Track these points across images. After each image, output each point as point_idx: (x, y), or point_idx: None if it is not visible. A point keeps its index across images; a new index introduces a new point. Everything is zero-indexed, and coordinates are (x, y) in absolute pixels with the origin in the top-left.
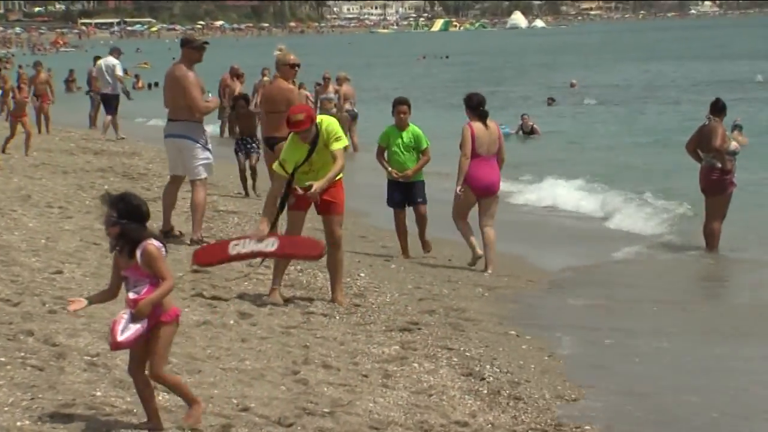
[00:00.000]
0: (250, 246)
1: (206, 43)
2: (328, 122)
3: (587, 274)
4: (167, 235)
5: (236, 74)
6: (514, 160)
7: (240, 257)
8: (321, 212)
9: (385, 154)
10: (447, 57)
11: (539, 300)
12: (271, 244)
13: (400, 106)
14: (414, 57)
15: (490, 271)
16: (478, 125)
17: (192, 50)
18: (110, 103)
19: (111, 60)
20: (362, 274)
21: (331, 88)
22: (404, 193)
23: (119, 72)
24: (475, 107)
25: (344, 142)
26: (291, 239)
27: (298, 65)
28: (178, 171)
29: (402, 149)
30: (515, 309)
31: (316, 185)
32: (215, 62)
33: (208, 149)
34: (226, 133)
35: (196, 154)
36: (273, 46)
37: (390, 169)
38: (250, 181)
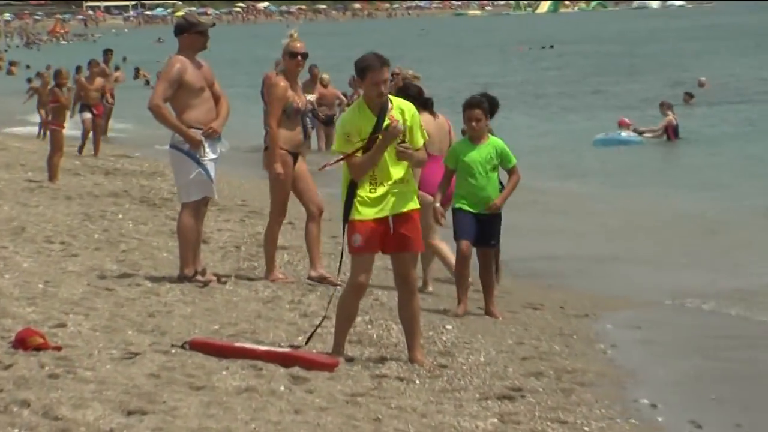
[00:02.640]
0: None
1: (205, 25)
2: (412, 111)
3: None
4: (190, 279)
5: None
6: None
7: (244, 351)
8: (394, 249)
9: (453, 180)
10: (552, 47)
11: (675, 361)
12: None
13: (472, 110)
14: (511, 47)
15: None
16: (426, 117)
17: (190, 36)
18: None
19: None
20: (449, 327)
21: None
22: (480, 228)
23: None
24: (417, 95)
25: (422, 139)
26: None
27: (303, 55)
28: None
29: (480, 170)
30: (646, 371)
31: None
32: (258, 55)
33: (200, 164)
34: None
35: (180, 168)
36: (331, 34)
37: (439, 212)
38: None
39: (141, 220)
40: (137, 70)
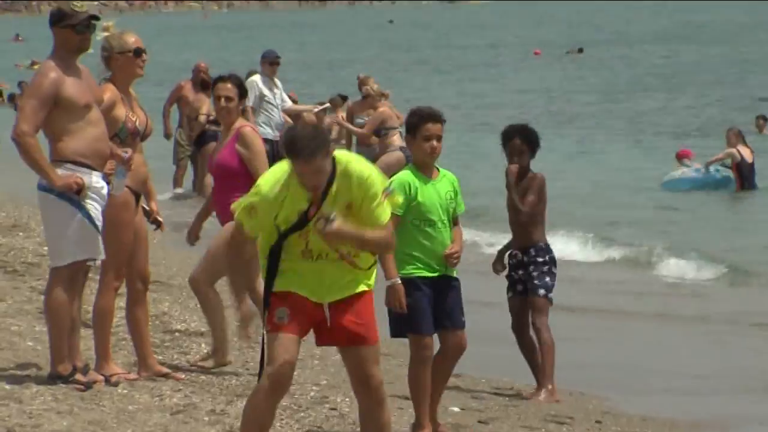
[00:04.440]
0: None
1: (94, 17)
2: (358, 166)
3: None
4: (66, 379)
5: (202, 81)
6: None
7: None
8: (345, 344)
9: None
10: (580, 50)
11: None
12: None
13: (432, 124)
14: (526, 51)
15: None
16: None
17: (62, 32)
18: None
19: (257, 80)
20: None
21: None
22: (441, 302)
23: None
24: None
25: (388, 211)
26: None
27: (139, 52)
28: None
29: (441, 216)
30: None
31: (339, 223)
32: (167, 58)
33: (82, 209)
34: (187, 184)
35: (52, 218)
36: (270, 28)
37: (401, 296)
38: None
39: None
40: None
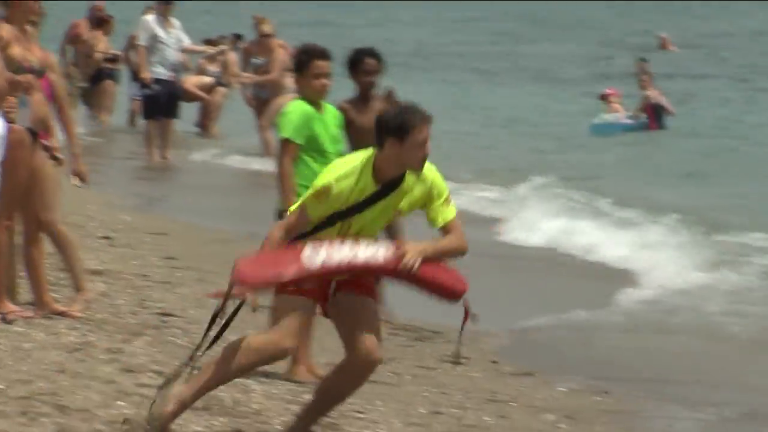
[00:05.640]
0: (343, 252)
1: None
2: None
3: None
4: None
5: (98, 19)
6: None
7: (325, 272)
8: (344, 289)
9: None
10: None
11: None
12: (383, 252)
13: (319, 60)
14: None
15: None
16: None
17: None
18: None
19: (150, 19)
20: None
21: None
22: None
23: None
24: None
25: (453, 210)
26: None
27: None
28: None
29: (330, 149)
30: None
31: (416, 248)
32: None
33: None
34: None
35: None
36: None
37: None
38: None
39: None
40: None
